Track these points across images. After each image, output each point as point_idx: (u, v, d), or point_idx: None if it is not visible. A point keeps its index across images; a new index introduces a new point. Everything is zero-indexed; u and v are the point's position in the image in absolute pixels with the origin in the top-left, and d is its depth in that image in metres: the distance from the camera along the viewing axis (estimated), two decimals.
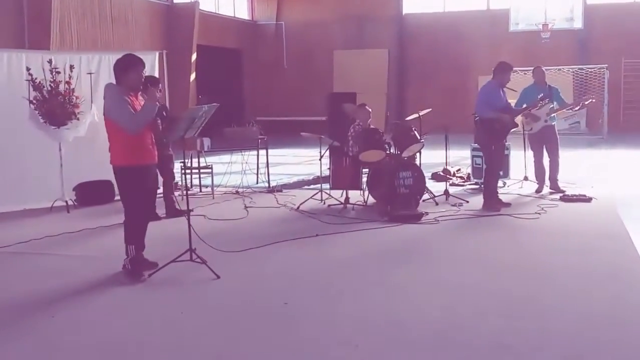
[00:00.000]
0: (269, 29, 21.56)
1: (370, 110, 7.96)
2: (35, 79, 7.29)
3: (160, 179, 7.15)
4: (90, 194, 7.86)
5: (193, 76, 17.46)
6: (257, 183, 9.34)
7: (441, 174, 9.32)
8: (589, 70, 17.58)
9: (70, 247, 5.91)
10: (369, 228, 6.41)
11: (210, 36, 18.88)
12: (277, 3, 21.46)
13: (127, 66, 4.77)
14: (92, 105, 7.77)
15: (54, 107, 7.36)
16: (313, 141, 7.93)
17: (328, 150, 8.16)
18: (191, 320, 4.02)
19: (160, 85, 7.16)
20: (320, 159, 7.74)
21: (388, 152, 7.50)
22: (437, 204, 7.56)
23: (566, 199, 7.73)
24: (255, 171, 9.50)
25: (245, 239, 6.00)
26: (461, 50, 19.46)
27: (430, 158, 10.25)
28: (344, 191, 7.59)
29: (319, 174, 8.34)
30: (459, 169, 10.02)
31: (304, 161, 12.00)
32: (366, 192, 7.64)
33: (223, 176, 9.21)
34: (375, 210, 7.13)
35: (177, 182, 8.58)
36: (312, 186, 8.98)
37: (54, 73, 7.37)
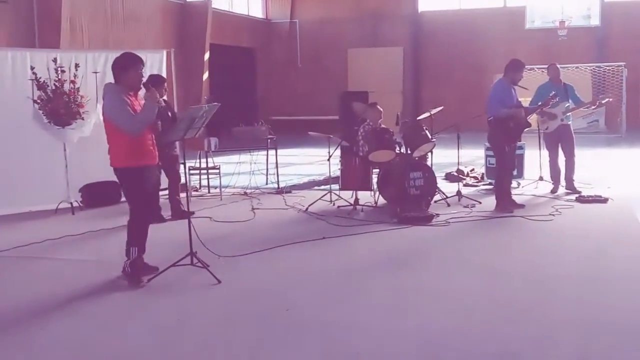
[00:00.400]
0: (283, 27, 21.44)
1: (381, 109, 7.79)
2: (40, 78, 7.18)
3: (166, 180, 7.08)
4: (96, 195, 7.76)
5: (206, 75, 17.41)
6: (266, 184, 9.21)
7: (455, 174, 9.11)
8: (607, 68, 17.19)
9: (70, 250, 5.80)
10: (377, 230, 6.25)
11: (224, 35, 18.82)
12: (291, 1, 21.33)
13: (126, 65, 4.65)
14: (97, 104, 7.63)
15: (58, 106, 7.25)
16: (325, 141, 7.79)
17: (340, 150, 8.02)
18: (188, 328, 3.90)
19: (165, 84, 7.02)
20: (328, 159, 7.58)
21: (398, 152, 7.33)
22: (449, 205, 7.37)
23: (582, 199, 7.50)
24: (265, 172, 9.37)
25: (249, 242, 5.87)
26: (477, 48, 19.16)
27: (444, 157, 10.05)
28: (354, 192, 7.43)
29: (331, 174, 8.20)
30: (473, 169, 9.80)
31: (315, 161, 11.85)
32: (376, 193, 7.48)
33: (231, 177, 9.10)
34: (385, 212, 6.97)
35: (184, 184, 8.50)
36: (322, 187, 8.84)
37: (58, 72, 7.26)
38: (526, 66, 7.75)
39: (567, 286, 4.50)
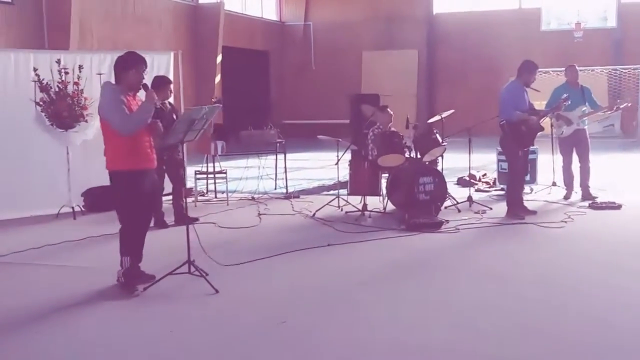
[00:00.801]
0: (296, 29, 21.35)
1: (391, 113, 7.64)
2: (43, 79, 7.08)
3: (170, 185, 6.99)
4: (98, 199, 7.59)
5: (218, 78, 17.36)
6: (275, 188, 9.09)
7: (466, 179, 8.91)
8: (623, 71, 16.82)
9: (67, 257, 5.68)
10: (384, 237, 6.08)
11: (237, 38, 18.76)
12: (305, 3, 21.24)
13: (129, 64, 4.54)
14: None
15: (61, 109, 7.13)
16: (335, 144, 7.63)
17: (350, 154, 7.88)
18: (178, 340, 3.76)
19: (171, 86, 6.89)
20: (336, 163, 7.44)
21: (408, 156, 7.17)
22: (459, 211, 7.19)
23: (595, 206, 7.27)
24: (273, 176, 9.25)
25: (253, 249, 5.73)
26: (492, 50, 18.89)
27: (456, 162, 9.86)
28: (362, 197, 7.28)
29: (340, 179, 8.07)
30: (485, 174, 9.60)
31: (326, 165, 11.72)
32: (385, 199, 7.32)
33: (239, 181, 8.98)
34: (394, 218, 6.81)
35: (191, 188, 8.42)
36: (331, 192, 8.70)
37: (62, 73, 7.15)
38: (541, 69, 7.57)
39: (579, 298, 4.29)
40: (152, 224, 6.45)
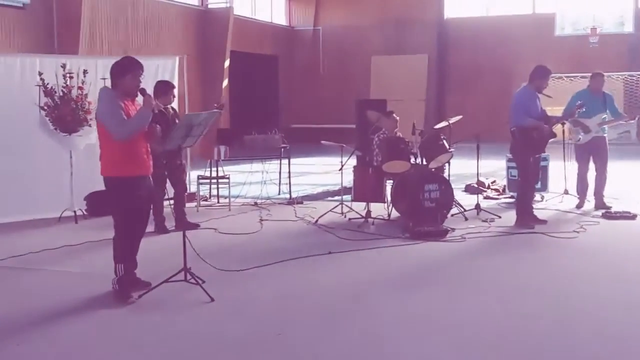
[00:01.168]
0: (306, 34, 21.28)
1: (397, 118, 7.48)
2: (47, 84, 7.08)
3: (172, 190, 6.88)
4: (101, 204, 7.49)
5: (225, 82, 17.32)
6: (278, 194, 8.96)
7: (475, 185, 8.70)
8: None
9: (65, 262, 5.60)
10: (387, 245, 5.91)
11: (246, 42, 18.72)
12: (314, 8, 21.17)
13: (125, 70, 4.44)
14: None
15: (65, 113, 7.11)
16: (345, 150, 7.48)
17: (356, 160, 7.74)
18: (169, 350, 3.63)
19: (174, 90, 6.82)
20: (340, 169, 7.29)
21: (414, 162, 7.00)
22: (466, 219, 7.00)
23: (608, 215, 7.03)
24: (277, 181, 9.11)
25: (252, 255, 5.61)
26: (505, 55, 18.65)
27: (465, 168, 9.67)
28: (367, 204, 7.11)
29: (345, 185, 7.91)
30: (494, 181, 9.38)
31: (332, 170, 11.58)
32: (390, 206, 7.14)
33: (242, 187, 8.86)
34: (398, 226, 6.63)
35: (193, 193, 8.31)
36: (335, 198, 8.53)
37: (66, 78, 7.13)
38: (554, 74, 7.33)
39: (591, 314, 4.10)
40: (152, 229, 6.44)
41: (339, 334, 3.83)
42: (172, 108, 6.89)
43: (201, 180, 8.29)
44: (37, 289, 4.86)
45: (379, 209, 7.19)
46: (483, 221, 6.89)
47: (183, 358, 3.54)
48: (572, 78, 15.82)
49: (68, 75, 7.18)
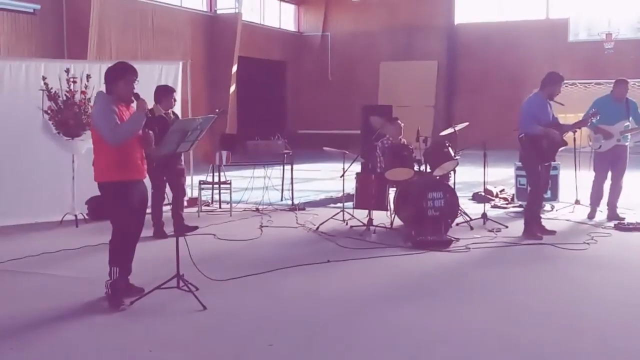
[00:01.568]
0: (314, 40, 21.24)
1: (401, 124, 7.32)
2: (51, 88, 7.10)
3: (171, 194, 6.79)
4: (102, 208, 7.50)
5: (233, 88, 17.28)
6: (281, 200, 8.83)
7: (482, 194, 8.48)
8: None
9: (62, 266, 5.55)
10: (388, 255, 5.75)
11: (254, 48, 18.71)
12: (323, 14, 21.11)
13: (117, 75, 4.39)
14: None
15: (68, 117, 7.13)
16: (347, 157, 7.36)
17: (361, 167, 7.58)
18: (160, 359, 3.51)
19: (174, 95, 6.74)
20: (342, 176, 7.13)
21: (418, 169, 6.81)
22: (472, 228, 6.81)
23: (621, 227, 6.79)
24: (280, 187, 8.98)
25: (249, 263, 5.49)
26: (517, 62, 18.43)
27: (473, 176, 9.46)
28: (369, 211, 6.93)
29: (349, 191, 7.77)
30: (503, 189, 9.17)
31: (336, 177, 11.44)
32: (393, 214, 6.96)
33: (245, 192, 8.75)
34: (400, 234, 6.45)
35: (195, 198, 8.22)
36: (338, 204, 8.37)
37: (70, 83, 7.15)
38: (568, 81, 7.11)
39: (598, 329, 3.91)
40: (151, 234, 6.35)
41: (332, 346, 3.69)
42: (173, 112, 6.84)
43: (203, 186, 8.20)
44: (32, 293, 4.81)
45: (382, 217, 7.02)
46: (489, 231, 6.70)
47: None
48: (586, 85, 15.57)
49: (72, 80, 7.22)
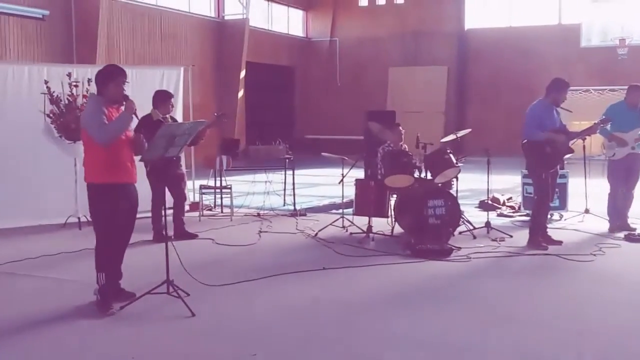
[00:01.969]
0: (322, 45, 21.21)
1: (402, 130, 7.19)
2: (53, 92, 7.12)
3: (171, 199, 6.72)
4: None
5: (241, 93, 17.28)
6: (283, 205, 8.73)
7: (489, 202, 8.30)
8: None
9: (60, 268, 5.54)
10: (386, 263, 5.62)
11: (263, 53, 18.71)
12: (331, 19, 21.07)
13: (107, 78, 4.40)
14: None
15: (69, 121, 7.15)
16: (346, 163, 7.24)
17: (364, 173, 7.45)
18: None
19: (172, 100, 6.68)
20: (340, 182, 7.01)
21: (418, 176, 6.67)
22: (474, 237, 6.64)
23: (631, 238, 6.57)
24: (282, 192, 8.88)
25: (244, 269, 5.42)
26: (528, 68, 18.20)
27: (481, 183, 9.26)
28: (369, 218, 6.79)
29: (351, 198, 7.65)
30: (510, 198, 8.96)
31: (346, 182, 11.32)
32: (393, 221, 6.81)
33: (247, 197, 8.68)
34: (400, 242, 6.30)
35: (197, 203, 8.15)
36: (341, 210, 8.24)
37: (72, 87, 7.16)
38: (582, 87, 6.89)
39: (604, 348, 3.73)
40: (151, 238, 6.28)
41: (318, 355, 3.59)
42: (172, 117, 6.78)
43: (204, 190, 8.14)
44: (25, 296, 4.82)
45: (382, 225, 6.88)
46: (492, 240, 6.53)
47: None
48: (600, 92, 15.29)
49: (73, 83, 7.24)
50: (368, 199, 6.70)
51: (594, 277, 5.25)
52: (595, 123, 6.70)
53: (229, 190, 8.09)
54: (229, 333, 3.96)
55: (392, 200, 7.06)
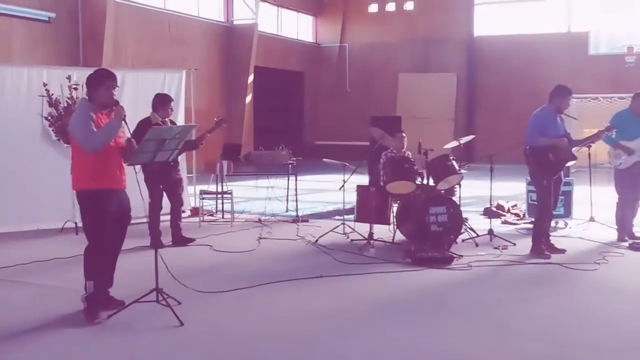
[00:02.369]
0: (332, 51, 21.19)
1: (404, 136, 7.13)
2: (52, 94, 7.07)
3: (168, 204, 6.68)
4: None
5: (249, 98, 17.26)
6: (286, 211, 8.67)
7: (494, 209, 8.19)
8: None
9: (51, 275, 5.45)
10: (384, 271, 5.52)
11: (272, 58, 18.71)
12: (341, 25, 21.06)
13: (96, 82, 4.29)
14: None
15: (68, 124, 7.06)
16: (347, 169, 7.18)
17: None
18: None
19: (171, 104, 6.58)
20: (340, 188, 6.95)
21: (420, 183, 6.59)
22: (477, 245, 6.53)
23: (636, 247, 6.45)
24: (285, 198, 8.83)
25: (240, 276, 5.33)
26: (537, 75, 18.03)
27: (488, 190, 9.14)
28: (371, 225, 6.72)
29: (343, 205, 7.57)
30: (515, 205, 8.85)
31: (348, 188, 11.24)
32: (395, 228, 6.73)
33: (249, 202, 8.62)
34: (401, 250, 6.22)
35: (197, 208, 8.12)
36: (344, 217, 8.17)
37: (71, 89, 7.10)
38: (590, 95, 6.78)
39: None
40: (147, 244, 6.24)
41: None
42: (171, 121, 6.72)
43: (204, 195, 8.09)
44: (12, 303, 4.72)
45: (384, 231, 6.80)
46: (495, 248, 6.43)
47: None
48: (609, 99, 15.11)
49: (73, 86, 7.17)
50: (369, 206, 6.63)
51: (596, 287, 5.11)
52: (600, 130, 6.59)
53: (229, 196, 8.04)
54: (217, 343, 3.86)
55: (395, 207, 6.98)
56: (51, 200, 7.39)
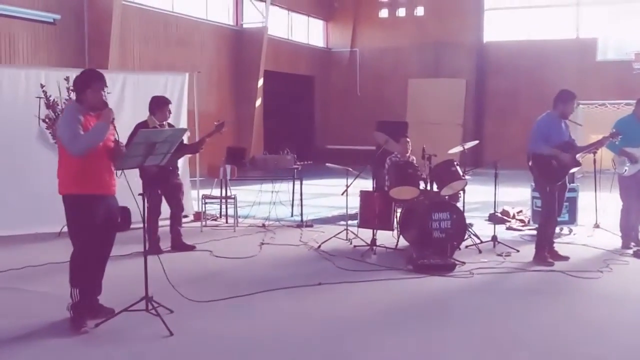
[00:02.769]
0: (343, 56, 21.19)
1: (409, 140, 7.09)
2: (50, 96, 7.03)
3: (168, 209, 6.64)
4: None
5: (259, 102, 17.28)
6: (291, 216, 8.65)
7: (499, 215, 8.13)
8: None
9: (42, 281, 5.34)
10: (385, 278, 5.44)
11: (282, 62, 18.73)
12: (352, 30, 21.08)
13: (84, 84, 4.17)
14: None
15: None
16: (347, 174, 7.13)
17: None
18: None
19: (169, 106, 6.46)
20: (343, 193, 6.92)
21: (423, 188, 6.55)
22: (480, 251, 6.46)
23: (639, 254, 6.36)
24: (290, 203, 8.81)
25: (238, 283, 5.27)
26: (546, 81, 17.88)
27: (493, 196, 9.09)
28: (374, 231, 6.68)
29: (346, 210, 7.53)
30: (521, 211, 8.77)
31: (353, 193, 11.20)
32: (398, 234, 6.69)
33: (252, 207, 8.59)
34: (403, 256, 6.18)
35: (199, 213, 8.11)
36: (347, 222, 8.13)
37: (69, 91, 7.01)
38: (598, 101, 6.70)
39: None
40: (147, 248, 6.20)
41: None
42: (169, 125, 6.64)
43: (207, 200, 8.07)
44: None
45: (388, 237, 6.75)
46: (498, 255, 6.35)
47: None
48: (616, 105, 14.99)
49: (71, 88, 7.07)
50: (372, 211, 6.59)
51: (598, 296, 5.02)
52: (604, 137, 6.52)
53: (233, 200, 8.03)
54: (208, 353, 3.78)
55: (398, 213, 6.94)
56: (49, 204, 7.17)
